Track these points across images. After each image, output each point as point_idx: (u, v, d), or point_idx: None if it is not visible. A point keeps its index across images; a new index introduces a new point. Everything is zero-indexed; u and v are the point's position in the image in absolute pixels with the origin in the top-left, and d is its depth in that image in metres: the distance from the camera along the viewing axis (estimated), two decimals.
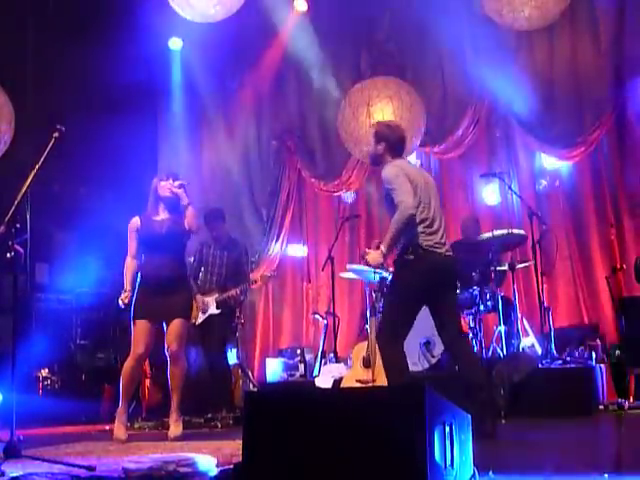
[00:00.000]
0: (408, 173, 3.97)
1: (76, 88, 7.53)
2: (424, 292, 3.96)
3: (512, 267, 6.03)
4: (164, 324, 4.80)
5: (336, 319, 6.71)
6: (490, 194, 7.72)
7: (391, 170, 3.94)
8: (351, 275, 6.43)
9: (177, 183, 4.78)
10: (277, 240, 8.42)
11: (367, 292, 6.45)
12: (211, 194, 8.36)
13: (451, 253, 4.07)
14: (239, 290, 5.91)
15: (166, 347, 4.74)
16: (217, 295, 5.89)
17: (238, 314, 6.16)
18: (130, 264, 4.85)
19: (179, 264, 4.89)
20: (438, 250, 3.96)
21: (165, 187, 4.84)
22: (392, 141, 4.12)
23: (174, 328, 4.75)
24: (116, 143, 7.51)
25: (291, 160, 8.71)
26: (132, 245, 4.89)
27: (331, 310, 6.73)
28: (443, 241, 4.00)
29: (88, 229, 6.99)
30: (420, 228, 3.90)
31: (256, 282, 5.96)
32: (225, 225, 6.15)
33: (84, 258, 7.40)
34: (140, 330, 4.71)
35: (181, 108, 8.81)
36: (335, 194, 8.54)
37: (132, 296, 4.74)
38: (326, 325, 6.81)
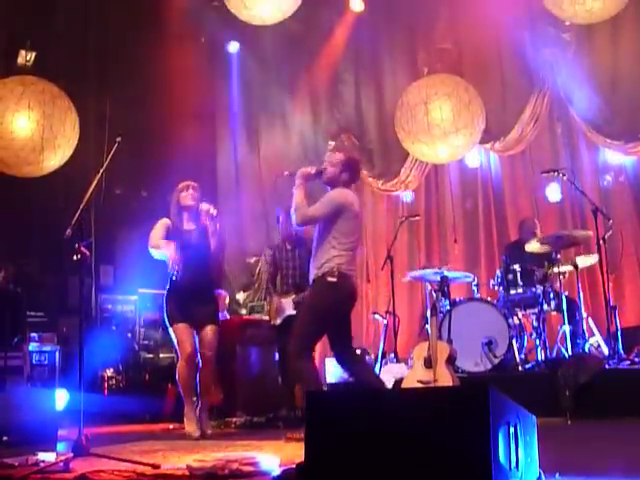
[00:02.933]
0: (354, 206, 4.18)
1: (136, 91, 7.59)
2: (340, 314, 4.16)
3: (575, 265, 5.91)
4: (195, 331, 4.82)
5: (396, 319, 6.62)
6: (552, 191, 7.60)
7: (340, 196, 4.15)
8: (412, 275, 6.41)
9: (208, 208, 4.71)
10: None
11: (427, 291, 6.44)
12: (267, 195, 8.34)
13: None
14: (293, 302, 5.83)
15: (200, 353, 4.76)
16: (294, 296, 5.84)
17: None
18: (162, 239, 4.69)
19: (208, 276, 4.86)
20: (354, 276, 4.21)
21: (187, 197, 4.80)
22: (353, 176, 4.33)
23: (208, 334, 4.78)
24: (176, 146, 7.52)
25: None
26: (159, 234, 4.76)
27: (391, 310, 6.62)
28: (354, 268, 4.30)
29: (149, 231, 6.78)
30: (348, 255, 4.12)
31: None
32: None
33: (146, 260, 7.13)
34: (182, 332, 4.73)
35: (238, 110, 8.85)
36: (393, 194, 8.45)
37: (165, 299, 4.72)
38: (386, 325, 6.73)
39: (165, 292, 4.81)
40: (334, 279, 4.06)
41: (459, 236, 7.83)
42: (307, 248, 5.43)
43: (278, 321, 5.86)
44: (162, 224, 4.82)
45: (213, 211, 4.70)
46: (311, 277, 4.19)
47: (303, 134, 8.68)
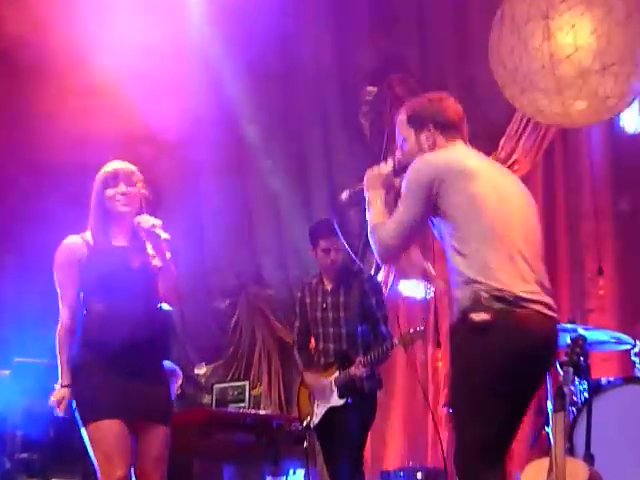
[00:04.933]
0: (458, 165, 3.14)
1: None
2: (521, 380, 3.05)
3: None
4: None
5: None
6: None
7: (421, 166, 3.16)
8: None
9: (152, 224, 3.74)
10: (379, 269, 6.53)
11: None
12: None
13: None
14: (369, 361, 4.92)
15: (135, 474, 3.78)
16: (336, 374, 5.01)
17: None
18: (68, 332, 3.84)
19: (154, 331, 3.87)
20: (533, 300, 2.97)
21: (115, 200, 3.83)
22: (442, 125, 3.25)
23: (154, 442, 3.77)
24: None
25: None
26: (70, 293, 3.80)
27: None
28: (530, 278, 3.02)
29: (37, 261, 5.60)
30: (495, 263, 2.97)
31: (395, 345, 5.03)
32: (340, 246, 5.15)
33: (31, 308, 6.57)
34: (109, 436, 3.67)
35: None
36: None
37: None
38: None
39: (74, 361, 3.78)
40: (482, 317, 2.86)
41: (607, 262, 5.98)
42: (363, 290, 5.04)
43: (315, 419, 5.06)
44: (67, 249, 3.84)
45: (161, 232, 3.73)
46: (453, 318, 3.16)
47: (321, 82, 6.81)
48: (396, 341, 4.97)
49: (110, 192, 3.79)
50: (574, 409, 4.90)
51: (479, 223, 2.96)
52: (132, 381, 3.78)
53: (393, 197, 3.22)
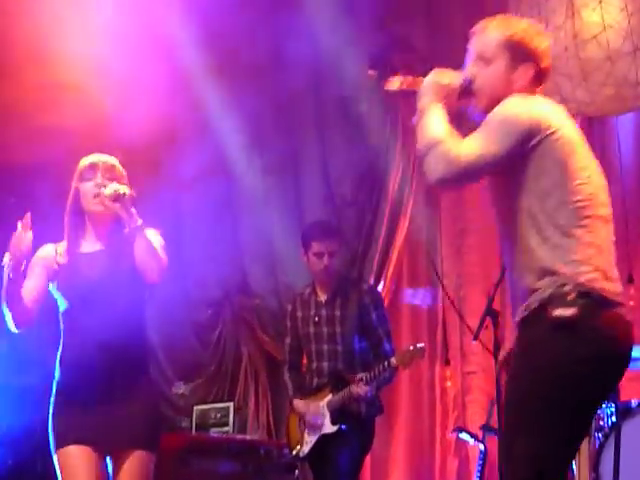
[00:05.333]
0: (557, 125, 2.82)
1: None
2: (598, 393, 2.90)
3: None
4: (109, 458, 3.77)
5: None
6: None
7: (522, 108, 2.83)
8: None
9: (114, 190, 3.59)
10: (381, 275, 6.30)
11: None
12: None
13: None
14: (370, 379, 4.77)
15: None
16: (330, 396, 4.86)
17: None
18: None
19: (133, 338, 3.74)
20: (617, 302, 2.80)
21: (91, 195, 3.70)
22: (539, 72, 2.97)
23: (129, 469, 3.68)
24: None
25: (408, 107, 6.54)
26: (32, 284, 3.76)
27: (494, 423, 5.00)
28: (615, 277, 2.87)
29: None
30: (589, 250, 2.72)
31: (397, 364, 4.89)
32: (339, 252, 5.12)
33: None
34: (76, 462, 3.64)
35: None
36: None
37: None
38: (484, 453, 5.45)
39: (53, 384, 3.81)
40: (570, 311, 2.63)
41: (638, 270, 5.70)
42: (362, 304, 4.86)
43: (305, 448, 4.90)
44: (40, 261, 3.76)
45: (126, 191, 3.59)
46: (516, 316, 2.83)
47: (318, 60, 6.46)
48: (394, 360, 4.74)
49: (85, 187, 3.67)
50: (600, 435, 4.74)
51: (572, 201, 2.69)
52: (103, 404, 3.72)
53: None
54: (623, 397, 4.75)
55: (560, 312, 2.63)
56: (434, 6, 6.27)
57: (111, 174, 3.74)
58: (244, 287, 6.41)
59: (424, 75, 3.00)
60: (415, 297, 6.26)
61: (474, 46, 2.90)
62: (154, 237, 3.71)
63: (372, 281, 6.13)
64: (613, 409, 4.89)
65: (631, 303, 5.55)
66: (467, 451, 5.90)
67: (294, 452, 4.92)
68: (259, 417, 6.02)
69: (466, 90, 2.85)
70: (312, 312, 4.95)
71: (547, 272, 2.67)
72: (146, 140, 6.18)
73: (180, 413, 6.49)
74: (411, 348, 4.87)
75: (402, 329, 6.18)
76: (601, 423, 4.88)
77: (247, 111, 6.42)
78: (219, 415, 6.12)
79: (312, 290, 4.95)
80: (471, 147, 2.70)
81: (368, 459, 5.91)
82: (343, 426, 4.73)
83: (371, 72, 6.19)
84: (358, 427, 4.82)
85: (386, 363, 4.75)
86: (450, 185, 2.89)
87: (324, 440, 4.82)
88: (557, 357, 2.63)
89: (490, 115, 2.76)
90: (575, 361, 2.63)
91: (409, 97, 2.93)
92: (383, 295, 5.81)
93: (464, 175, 2.70)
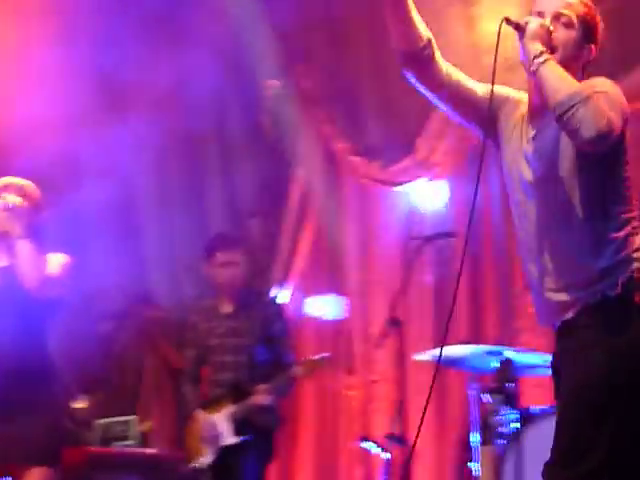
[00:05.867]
0: None
1: None
2: None
3: None
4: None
5: (409, 450, 5.07)
6: None
7: (619, 92, 2.64)
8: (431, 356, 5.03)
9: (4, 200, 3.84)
10: (282, 283, 6.30)
11: (472, 394, 4.84)
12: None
13: None
14: (273, 389, 4.85)
15: None
16: (232, 408, 4.88)
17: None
18: None
19: (31, 352, 3.88)
20: None
21: None
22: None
23: None
24: None
25: (310, 118, 6.36)
26: None
27: (399, 431, 4.98)
28: None
29: None
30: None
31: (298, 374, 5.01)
32: (243, 263, 5.09)
33: None
34: None
35: None
36: (401, 188, 6.20)
37: None
38: (389, 462, 5.15)
39: None
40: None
41: None
42: (265, 316, 4.95)
43: (207, 458, 4.90)
44: None
45: (16, 201, 3.83)
46: (566, 300, 2.65)
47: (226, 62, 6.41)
48: (298, 370, 4.82)
49: None
50: (502, 441, 4.52)
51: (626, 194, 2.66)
52: (2, 421, 3.80)
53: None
54: (525, 404, 4.78)
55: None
56: (336, 19, 6.32)
57: (6, 189, 3.87)
58: (148, 299, 6.34)
59: None
60: (319, 307, 6.25)
61: (552, 2, 2.72)
62: (29, 249, 3.80)
63: (276, 292, 6.10)
64: (515, 416, 4.75)
65: (531, 309, 5.76)
66: (372, 460, 5.88)
67: (193, 464, 4.91)
68: (163, 430, 5.97)
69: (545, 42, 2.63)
70: (216, 324, 4.97)
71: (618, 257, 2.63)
72: (46, 172, 6.24)
73: (82, 427, 6.18)
74: (315, 358, 4.96)
75: (306, 339, 6.21)
76: (503, 430, 4.74)
77: (150, 126, 6.34)
78: (121, 429, 6.05)
79: (216, 301, 4.95)
80: (613, 110, 2.54)
81: (273, 469, 5.92)
82: (245, 437, 4.75)
83: (271, 83, 5.92)
84: (260, 438, 4.87)
85: (290, 374, 4.81)
86: (605, 144, 2.57)
87: (227, 452, 4.83)
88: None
89: (601, 85, 2.58)
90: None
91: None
92: (287, 305, 5.87)
93: (615, 137, 2.51)
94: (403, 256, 5.75)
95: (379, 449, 5.30)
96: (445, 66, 2.75)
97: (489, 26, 5.09)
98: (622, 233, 2.59)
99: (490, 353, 4.60)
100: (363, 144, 6.25)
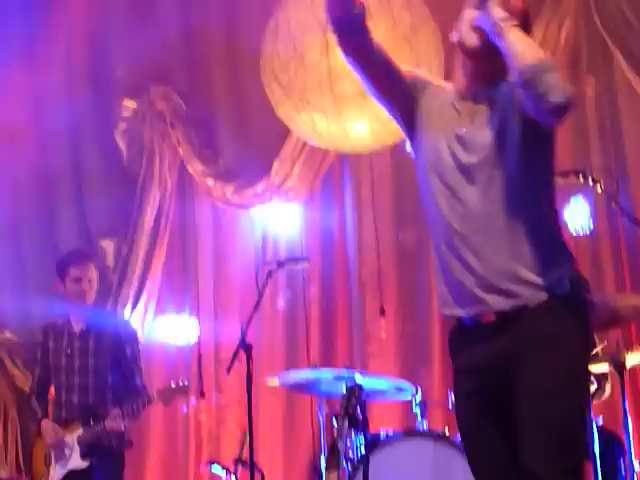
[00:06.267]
0: None
1: None
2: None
3: (620, 366, 4.45)
4: None
5: (257, 475, 4.94)
6: (576, 213, 5.46)
7: None
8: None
9: None
10: (133, 306, 6.06)
11: (321, 418, 4.92)
12: None
13: None
14: (125, 414, 4.74)
15: None
16: (80, 430, 4.75)
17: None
18: None
19: None
20: None
21: None
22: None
23: None
24: None
25: (165, 140, 6.16)
26: None
27: (245, 456, 5.02)
28: None
29: None
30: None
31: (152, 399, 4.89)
32: (95, 280, 5.01)
33: None
34: None
35: None
36: (256, 211, 6.11)
37: None
38: None
39: None
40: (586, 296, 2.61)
41: (389, 302, 5.74)
42: (118, 337, 4.85)
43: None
44: None
45: None
46: (503, 289, 2.52)
47: (71, 84, 6.28)
48: (155, 395, 4.74)
49: None
50: (349, 466, 4.67)
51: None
52: None
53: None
54: (374, 429, 4.83)
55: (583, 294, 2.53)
56: (193, 40, 6.24)
57: None
58: None
59: None
60: (171, 329, 6.14)
61: None
62: None
63: (128, 313, 6.02)
64: (363, 441, 4.87)
65: (383, 335, 5.71)
66: None
67: None
68: (7, 454, 5.72)
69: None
70: (65, 343, 4.85)
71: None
72: None
73: None
74: (173, 386, 4.89)
75: (157, 361, 6.07)
76: (351, 455, 4.91)
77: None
78: None
79: (66, 321, 4.83)
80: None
81: None
82: (93, 461, 4.65)
83: (127, 103, 5.90)
84: (108, 461, 4.77)
85: (146, 399, 4.75)
86: (564, 115, 2.45)
87: (73, 476, 4.72)
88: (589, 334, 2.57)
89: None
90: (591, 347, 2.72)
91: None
92: (139, 327, 5.80)
93: (571, 110, 2.41)
94: (256, 280, 5.47)
95: (228, 473, 5.25)
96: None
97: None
98: (558, 225, 2.55)
99: (339, 378, 4.57)
100: (218, 167, 6.11)
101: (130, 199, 6.11)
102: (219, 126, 6.18)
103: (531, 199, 2.46)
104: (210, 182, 6.04)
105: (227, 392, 5.86)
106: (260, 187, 5.92)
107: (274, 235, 6.09)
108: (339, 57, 4.89)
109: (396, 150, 5.49)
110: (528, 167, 2.47)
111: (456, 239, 2.44)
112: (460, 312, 2.47)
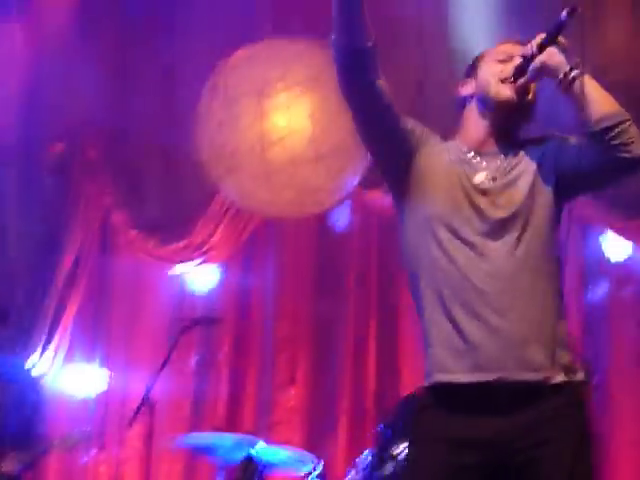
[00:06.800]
0: None
1: None
2: None
3: None
4: None
5: None
6: None
7: None
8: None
9: None
10: (43, 351, 5.84)
11: None
12: None
13: None
14: (22, 459, 4.63)
15: None
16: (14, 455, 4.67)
17: None
18: None
19: None
20: None
21: None
22: None
23: None
24: None
25: (92, 187, 6.02)
26: None
27: None
28: None
29: None
30: None
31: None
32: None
33: None
34: None
35: None
36: (175, 267, 5.93)
37: None
38: None
39: None
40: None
41: (300, 371, 5.68)
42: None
43: None
44: None
45: None
46: (531, 359, 2.31)
47: None
48: (55, 443, 4.67)
49: None
50: None
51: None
52: None
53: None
54: None
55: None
56: (126, 87, 6.09)
57: None
58: None
59: None
60: (78, 378, 5.92)
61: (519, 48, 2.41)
62: None
63: (36, 358, 5.80)
64: None
65: (290, 403, 5.54)
66: None
67: None
68: None
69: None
70: None
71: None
72: None
73: None
74: (75, 432, 4.82)
75: (61, 410, 5.83)
76: None
77: None
78: None
79: None
80: None
81: None
82: None
83: (55, 146, 5.81)
84: None
85: (47, 446, 4.67)
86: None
87: None
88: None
89: None
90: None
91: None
92: (44, 375, 5.69)
93: None
94: (167, 336, 5.45)
95: None
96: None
97: (278, 119, 4.87)
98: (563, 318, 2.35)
99: (239, 445, 4.48)
100: (143, 218, 5.98)
101: (50, 242, 5.97)
102: (147, 177, 6.06)
103: (554, 259, 2.32)
104: (133, 232, 5.90)
105: (129, 446, 5.69)
106: (182, 243, 5.80)
107: (191, 293, 5.92)
108: (273, 123, 4.73)
109: (322, 219, 5.50)
110: (553, 225, 2.33)
111: (476, 297, 2.22)
112: (463, 378, 2.22)
